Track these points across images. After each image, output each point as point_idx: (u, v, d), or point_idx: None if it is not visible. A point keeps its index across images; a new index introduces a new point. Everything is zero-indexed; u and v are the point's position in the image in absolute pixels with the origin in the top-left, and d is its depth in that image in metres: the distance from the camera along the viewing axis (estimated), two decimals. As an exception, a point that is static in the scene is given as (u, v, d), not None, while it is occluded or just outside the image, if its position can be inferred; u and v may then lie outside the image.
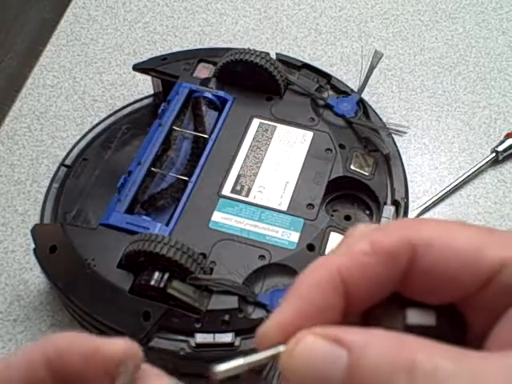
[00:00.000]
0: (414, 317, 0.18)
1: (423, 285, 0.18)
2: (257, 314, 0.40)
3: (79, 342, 0.20)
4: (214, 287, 0.41)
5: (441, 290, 0.18)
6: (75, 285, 0.42)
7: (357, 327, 0.17)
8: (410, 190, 0.49)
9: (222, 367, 0.18)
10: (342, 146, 0.49)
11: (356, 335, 0.16)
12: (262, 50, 0.51)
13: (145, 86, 0.60)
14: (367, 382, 0.16)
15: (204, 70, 0.53)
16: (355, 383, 0.16)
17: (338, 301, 0.18)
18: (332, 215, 0.46)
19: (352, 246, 0.18)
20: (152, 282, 0.40)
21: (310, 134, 0.49)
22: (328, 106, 0.51)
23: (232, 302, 0.40)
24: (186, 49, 0.59)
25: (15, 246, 0.50)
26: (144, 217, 0.45)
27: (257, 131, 0.50)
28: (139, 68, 0.54)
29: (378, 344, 0.16)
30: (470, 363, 0.15)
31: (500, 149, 0.55)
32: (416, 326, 0.18)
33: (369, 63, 0.53)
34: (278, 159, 0.48)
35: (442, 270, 0.18)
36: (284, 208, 0.45)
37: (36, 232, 0.45)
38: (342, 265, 0.18)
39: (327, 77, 0.53)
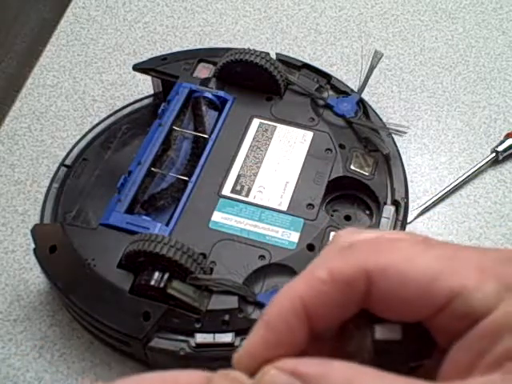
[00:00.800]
0: (380, 332, 0.20)
1: (383, 306, 0.19)
2: (257, 314, 0.40)
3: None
4: (214, 287, 0.41)
5: (399, 312, 0.19)
6: (75, 285, 0.42)
7: (319, 358, 0.18)
8: (410, 190, 0.49)
9: None
10: (342, 146, 0.49)
11: (313, 367, 0.18)
12: (262, 50, 0.51)
13: (145, 85, 0.60)
14: None
15: (204, 70, 0.53)
16: None
17: (302, 327, 0.19)
18: (332, 215, 0.46)
19: (312, 273, 0.20)
20: (152, 282, 0.40)
21: (310, 134, 0.49)
22: (328, 106, 0.51)
23: (232, 302, 0.40)
24: (186, 49, 0.59)
25: (15, 246, 0.50)
26: (144, 217, 0.45)
27: (257, 131, 0.50)
28: (139, 68, 0.54)
29: (333, 376, 0.17)
30: None
31: (500, 149, 0.55)
32: (383, 341, 0.20)
33: (369, 63, 0.53)
34: (278, 159, 0.48)
35: (396, 296, 0.19)
36: (284, 208, 0.45)
37: (36, 232, 0.45)
38: (302, 293, 0.19)
39: (327, 77, 0.53)
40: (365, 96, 0.53)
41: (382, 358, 0.20)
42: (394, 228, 0.45)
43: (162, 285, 0.40)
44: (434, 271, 0.18)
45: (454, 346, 0.18)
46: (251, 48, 0.51)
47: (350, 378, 0.17)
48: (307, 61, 0.55)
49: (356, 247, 0.20)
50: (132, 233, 0.43)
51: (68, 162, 0.51)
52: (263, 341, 0.20)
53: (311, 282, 0.19)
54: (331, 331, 0.21)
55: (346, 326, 0.20)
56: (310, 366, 0.18)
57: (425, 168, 0.55)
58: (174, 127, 0.49)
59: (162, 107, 0.50)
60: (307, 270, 0.20)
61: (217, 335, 0.40)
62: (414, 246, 0.19)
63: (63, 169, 0.51)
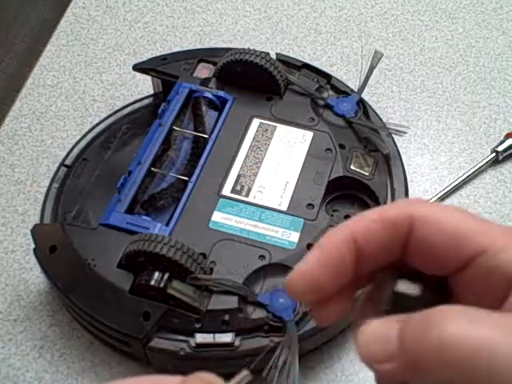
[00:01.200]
0: (401, 286, 0.22)
1: (418, 254, 0.22)
2: (257, 314, 0.40)
3: None
4: (214, 287, 0.41)
5: (431, 262, 0.21)
6: (75, 285, 0.42)
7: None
8: (410, 190, 0.49)
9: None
10: (342, 146, 0.49)
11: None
12: (262, 50, 0.51)
13: (145, 86, 0.60)
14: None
15: (204, 70, 0.53)
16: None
17: (351, 258, 0.22)
18: (332, 215, 0.46)
19: (365, 215, 0.22)
20: (152, 282, 0.40)
21: (310, 134, 0.49)
22: (328, 106, 0.51)
23: (232, 302, 0.40)
24: (186, 49, 0.59)
25: (15, 246, 0.50)
26: (144, 217, 0.45)
27: (257, 131, 0.50)
28: (139, 68, 0.54)
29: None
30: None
31: (500, 149, 0.55)
32: (401, 294, 0.22)
33: (369, 63, 0.53)
34: (278, 159, 0.48)
35: (432, 244, 0.21)
36: (284, 208, 0.45)
37: (36, 232, 0.45)
38: (355, 229, 0.22)
39: (327, 77, 0.53)
40: (365, 96, 0.53)
41: (399, 309, 0.21)
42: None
43: (162, 285, 0.40)
44: (467, 226, 0.21)
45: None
46: (251, 48, 0.51)
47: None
48: (307, 61, 0.55)
49: (401, 200, 0.25)
50: (132, 233, 0.43)
51: (68, 162, 0.51)
52: (316, 262, 0.22)
53: (363, 220, 0.22)
54: (363, 276, 0.23)
55: (377, 276, 0.23)
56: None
57: (425, 168, 0.55)
58: (174, 127, 0.49)
59: (161, 107, 0.50)
60: (361, 214, 0.23)
61: (217, 335, 0.40)
62: (450, 207, 0.22)
63: (63, 169, 0.51)
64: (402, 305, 0.22)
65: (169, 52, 0.57)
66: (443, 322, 0.18)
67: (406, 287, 0.22)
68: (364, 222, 0.22)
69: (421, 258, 0.22)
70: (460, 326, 0.18)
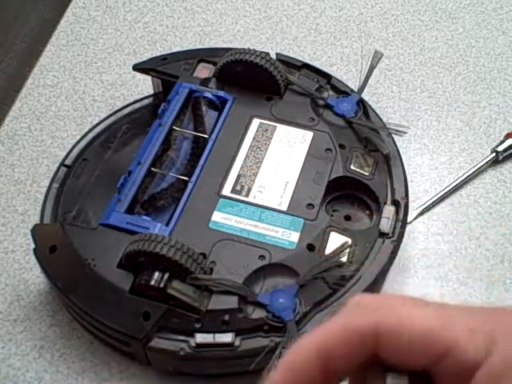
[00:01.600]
0: (390, 381, 0.23)
1: (390, 355, 0.22)
2: (257, 313, 0.40)
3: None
4: (214, 287, 0.41)
5: (403, 359, 0.22)
6: (75, 285, 0.42)
7: None
8: (410, 190, 0.49)
9: None
10: (342, 146, 0.49)
11: None
12: (262, 50, 0.51)
13: (145, 85, 0.60)
14: None
15: (204, 70, 0.53)
16: None
17: (319, 372, 0.22)
18: (332, 215, 0.46)
19: (328, 327, 0.22)
20: (152, 282, 0.40)
21: (310, 134, 0.49)
22: (328, 106, 0.51)
23: (232, 301, 0.40)
24: (186, 49, 0.59)
25: (15, 246, 0.50)
26: (144, 217, 0.45)
27: (257, 131, 0.50)
28: (139, 68, 0.54)
29: None
30: None
31: (500, 149, 0.55)
32: None
33: (369, 63, 0.53)
34: (278, 159, 0.48)
35: (400, 347, 0.22)
36: (284, 208, 0.45)
37: (36, 232, 0.45)
38: (320, 344, 0.22)
39: (327, 77, 0.53)
40: (365, 96, 0.53)
41: None
42: (394, 228, 0.45)
43: (161, 285, 0.40)
44: (433, 326, 0.21)
45: None
46: (251, 48, 0.51)
47: None
48: (307, 61, 0.55)
49: (368, 306, 0.23)
50: (132, 233, 0.43)
51: (68, 162, 0.51)
52: (283, 379, 0.22)
53: (328, 332, 0.22)
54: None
55: (363, 374, 0.23)
56: None
57: (425, 168, 0.55)
58: (174, 127, 0.49)
59: (162, 107, 0.50)
60: (326, 323, 0.23)
61: (217, 335, 0.40)
62: (415, 304, 0.22)
63: (63, 169, 0.51)
64: None
65: (169, 52, 0.57)
66: None
67: (394, 381, 0.23)
68: (329, 334, 0.22)
69: (393, 358, 0.22)
70: None
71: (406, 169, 0.49)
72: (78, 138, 0.53)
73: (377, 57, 0.53)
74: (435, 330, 0.21)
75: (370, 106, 0.52)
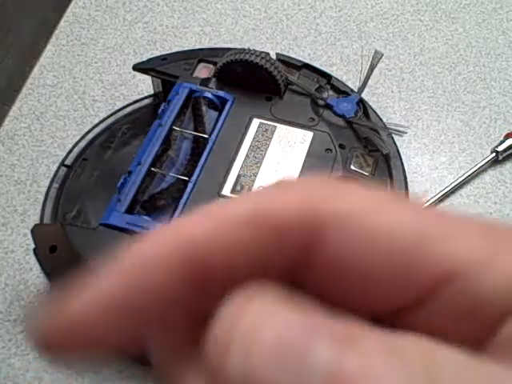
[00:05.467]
0: None
1: (330, 279, 0.12)
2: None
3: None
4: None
5: (357, 291, 0.12)
6: (75, 285, 0.42)
7: None
8: (410, 190, 0.49)
9: None
10: (341, 146, 0.49)
11: None
12: (262, 50, 0.51)
13: (145, 85, 0.60)
14: None
15: (204, 70, 0.53)
16: None
17: (186, 282, 0.12)
18: (332, 215, 0.46)
19: (224, 210, 0.12)
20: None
21: (310, 134, 0.49)
22: (328, 106, 0.51)
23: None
24: (185, 49, 0.59)
25: (15, 246, 0.50)
26: (144, 217, 0.45)
27: (257, 131, 0.50)
28: (139, 68, 0.54)
29: None
30: None
31: (500, 149, 0.55)
32: None
33: (369, 63, 0.53)
34: (278, 159, 0.48)
35: (358, 264, 0.12)
36: (284, 208, 0.45)
37: (36, 232, 0.45)
38: (199, 233, 0.12)
39: (327, 77, 0.53)
40: (365, 96, 0.53)
41: None
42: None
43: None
44: (421, 232, 0.12)
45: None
46: (251, 48, 0.51)
47: None
48: (307, 61, 0.55)
49: (299, 183, 0.13)
50: (132, 233, 0.43)
51: (68, 162, 0.51)
52: (110, 295, 0.12)
53: (218, 221, 0.12)
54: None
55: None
56: None
57: (425, 168, 0.55)
58: (174, 127, 0.49)
59: (162, 107, 0.50)
60: (207, 207, 0.13)
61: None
62: (383, 199, 0.12)
63: (63, 169, 0.51)
64: None
65: (169, 52, 0.57)
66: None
67: None
68: (221, 224, 0.12)
69: (331, 286, 0.12)
70: None
71: (406, 169, 0.49)
72: (78, 138, 0.53)
73: (377, 57, 0.53)
74: (432, 232, 0.12)
75: (370, 106, 0.52)
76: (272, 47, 0.63)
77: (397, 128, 0.50)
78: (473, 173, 0.54)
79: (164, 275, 0.12)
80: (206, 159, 0.48)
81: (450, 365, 0.10)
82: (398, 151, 0.50)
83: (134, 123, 0.54)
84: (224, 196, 0.46)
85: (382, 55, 0.53)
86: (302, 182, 0.13)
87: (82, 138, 0.53)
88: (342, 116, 0.50)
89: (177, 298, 0.12)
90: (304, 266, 0.12)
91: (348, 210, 0.12)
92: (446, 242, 0.12)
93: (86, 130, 0.54)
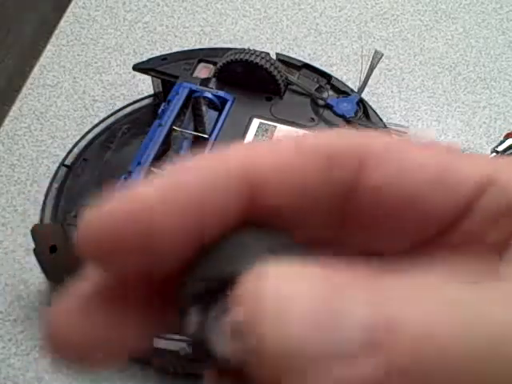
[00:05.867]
0: None
1: (371, 211, 0.13)
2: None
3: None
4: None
5: (404, 221, 0.13)
6: (75, 285, 0.42)
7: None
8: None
9: None
10: (342, 146, 0.49)
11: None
12: (262, 50, 0.51)
13: (145, 85, 0.60)
14: None
15: (204, 70, 0.53)
16: None
17: (238, 204, 0.13)
18: (332, 215, 0.46)
19: (279, 143, 0.13)
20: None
21: (310, 134, 0.49)
22: (328, 106, 0.51)
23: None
24: (185, 49, 0.59)
25: (15, 246, 0.50)
26: (144, 217, 0.45)
27: (257, 131, 0.50)
28: (139, 68, 0.54)
29: None
30: None
31: (500, 149, 0.55)
32: None
33: (369, 63, 0.53)
34: (278, 159, 0.48)
35: (400, 190, 0.13)
36: (284, 208, 0.45)
37: (36, 232, 0.45)
38: (250, 166, 0.13)
39: (327, 77, 0.53)
40: (365, 96, 0.53)
41: None
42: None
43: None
44: (448, 160, 0.13)
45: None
46: (251, 48, 0.51)
47: None
48: (307, 61, 0.55)
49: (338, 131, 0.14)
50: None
51: (68, 162, 0.51)
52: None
53: (275, 151, 0.13)
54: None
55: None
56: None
57: (425, 168, 0.55)
58: (174, 127, 0.49)
59: (162, 107, 0.50)
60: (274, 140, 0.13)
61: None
62: (407, 139, 0.14)
63: (63, 169, 0.51)
64: None
65: (169, 52, 0.57)
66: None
67: None
68: (277, 154, 0.13)
69: (373, 217, 0.13)
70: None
71: (406, 169, 0.49)
72: (78, 138, 0.53)
73: (377, 57, 0.53)
74: (453, 162, 0.13)
75: (370, 106, 0.52)
76: (272, 47, 0.63)
77: (397, 128, 0.50)
78: (473, 173, 0.54)
79: (225, 185, 0.13)
80: (206, 159, 0.48)
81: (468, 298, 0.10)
82: (398, 151, 0.50)
83: (134, 123, 0.54)
84: (224, 196, 0.46)
85: (382, 55, 0.53)
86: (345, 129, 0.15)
87: (82, 138, 0.53)
88: (342, 116, 0.50)
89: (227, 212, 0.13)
90: (347, 200, 0.13)
91: (385, 147, 0.13)
92: (473, 161, 0.13)
93: (86, 129, 0.54)
